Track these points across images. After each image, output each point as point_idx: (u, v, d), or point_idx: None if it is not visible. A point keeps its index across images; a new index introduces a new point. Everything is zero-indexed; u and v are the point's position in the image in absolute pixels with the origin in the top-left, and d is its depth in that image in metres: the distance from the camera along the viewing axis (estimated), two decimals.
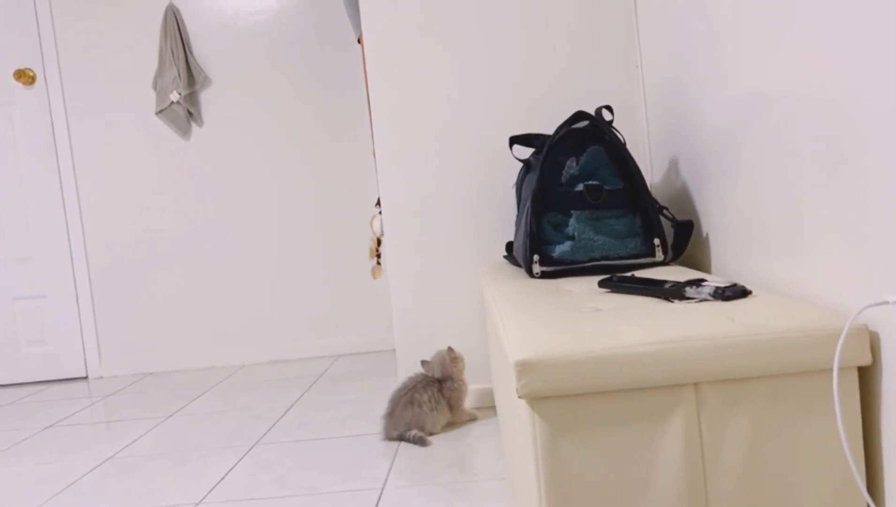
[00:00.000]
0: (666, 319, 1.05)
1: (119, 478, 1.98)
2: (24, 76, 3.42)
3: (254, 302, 3.46)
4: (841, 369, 0.94)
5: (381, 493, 1.67)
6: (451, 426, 2.08)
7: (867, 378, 0.97)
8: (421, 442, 1.95)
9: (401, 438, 2.00)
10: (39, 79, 3.45)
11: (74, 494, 1.89)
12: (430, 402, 1.99)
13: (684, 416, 0.96)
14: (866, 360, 0.94)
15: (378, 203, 2.25)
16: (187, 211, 3.45)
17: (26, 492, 1.94)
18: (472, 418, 2.12)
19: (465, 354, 2.23)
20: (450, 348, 2.04)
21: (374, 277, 2.50)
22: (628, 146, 2.15)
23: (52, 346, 3.52)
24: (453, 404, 2.03)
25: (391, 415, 2.01)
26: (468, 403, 2.16)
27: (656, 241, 1.70)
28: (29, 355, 3.53)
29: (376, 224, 2.39)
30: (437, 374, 2.01)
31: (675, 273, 1.53)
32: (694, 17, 1.61)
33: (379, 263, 2.49)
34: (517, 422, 1.15)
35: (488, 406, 2.24)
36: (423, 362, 2.05)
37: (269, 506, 1.67)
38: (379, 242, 2.46)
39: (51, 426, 2.64)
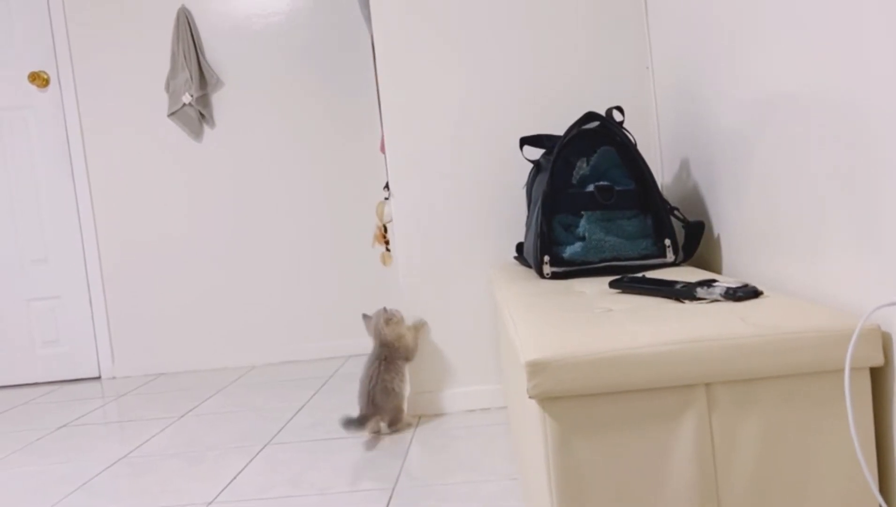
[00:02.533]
0: (677, 319, 1.05)
1: (132, 478, 1.99)
2: (39, 79, 3.45)
3: (265, 303, 3.47)
4: (853, 369, 0.94)
5: (392, 493, 1.68)
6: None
7: (879, 379, 0.97)
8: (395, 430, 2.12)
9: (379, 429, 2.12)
10: (53, 81, 3.48)
11: (88, 493, 1.90)
12: (398, 379, 2.09)
13: (696, 416, 0.96)
14: (878, 360, 0.94)
15: (386, 187, 2.25)
16: (199, 212, 3.47)
17: (40, 491, 1.96)
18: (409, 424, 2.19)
19: (476, 354, 2.24)
20: (384, 309, 2.13)
21: (385, 263, 2.51)
22: (639, 147, 2.15)
23: (66, 346, 3.55)
24: (409, 358, 2.15)
25: (373, 404, 2.05)
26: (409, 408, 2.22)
27: (667, 241, 1.70)
28: (43, 356, 3.56)
29: (385, 210, 2.38)
30: (372, 336, 2.13)
31: (686, 274, 1.52)
32: (705, 18, 1.60)
33: (388, 249, 2.49)
34: (528, 422, 1.15)
35: (499, 407, 2.24)
36: (364, 317, 2.19)
37: (281, 506, 1.68)
38: (385, 229, 2.45)
39: (64, 425, 2.66)
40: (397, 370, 2.10)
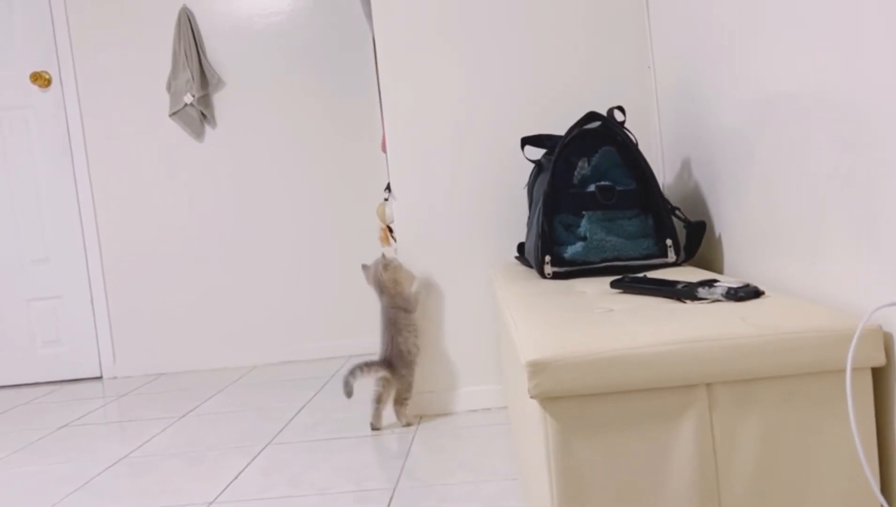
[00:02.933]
0: (678, 319, 1.05)
1: (132, 477, 1.99)
2: (40, 79, 3.45)
3: (266, 303, 3.47)
4: (854, 369, 0.94)
5: (393, 493, 1.68)
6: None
7: (881, 379, 0.97)
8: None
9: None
10: (55, 81, 3.48)
11: (88, 493, 1.91)
12: (412, 338, 2.14)
13: (696, 416, 0.96)
14: (880, 361, 0.94)
15: (387, 188, 2.26)
16: (201, 212, 3.47)
17: (40, 491, 1.96)
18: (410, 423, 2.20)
19: (476, 354, 2.24)
20: (383, 255, 2.16)
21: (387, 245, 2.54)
22: (640, 147, 2.15)
23: (66, 346, 3.55)
24: (410, 309, 2.16)
25: (399, 376, 2.11)
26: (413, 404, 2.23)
27: (668, 241, 1.70)
28: (44, 356, 3.56)
29: (387, 211, 2.38)
30: (372, 284, 2.18)
31: (687, 274, 1.52)
32: (707, 18, 1.60)
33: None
34: (529, 422, 1.15)
35: (499, 407, 2.24)
36: (364, 267, 2.22)
37: (281, 506, 1.68)
38: (390, 229, 2.46)
39: (65, 425, 2.66)
40: (409, 328, 2.13)
